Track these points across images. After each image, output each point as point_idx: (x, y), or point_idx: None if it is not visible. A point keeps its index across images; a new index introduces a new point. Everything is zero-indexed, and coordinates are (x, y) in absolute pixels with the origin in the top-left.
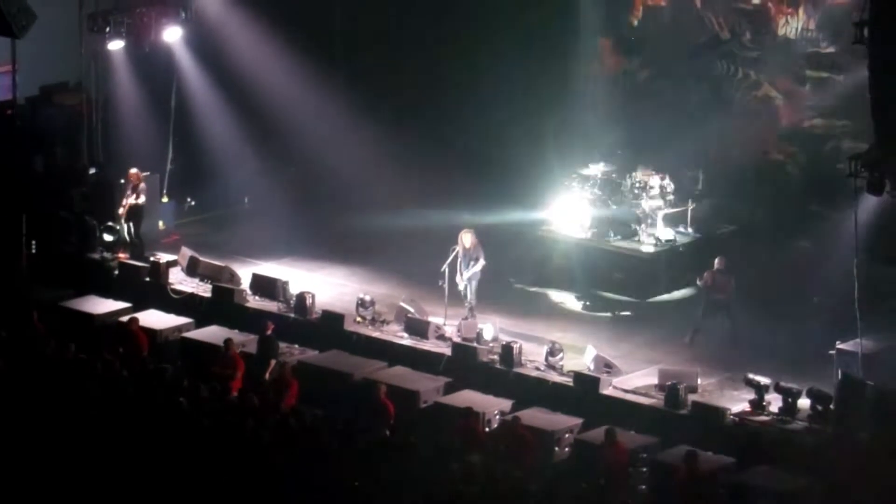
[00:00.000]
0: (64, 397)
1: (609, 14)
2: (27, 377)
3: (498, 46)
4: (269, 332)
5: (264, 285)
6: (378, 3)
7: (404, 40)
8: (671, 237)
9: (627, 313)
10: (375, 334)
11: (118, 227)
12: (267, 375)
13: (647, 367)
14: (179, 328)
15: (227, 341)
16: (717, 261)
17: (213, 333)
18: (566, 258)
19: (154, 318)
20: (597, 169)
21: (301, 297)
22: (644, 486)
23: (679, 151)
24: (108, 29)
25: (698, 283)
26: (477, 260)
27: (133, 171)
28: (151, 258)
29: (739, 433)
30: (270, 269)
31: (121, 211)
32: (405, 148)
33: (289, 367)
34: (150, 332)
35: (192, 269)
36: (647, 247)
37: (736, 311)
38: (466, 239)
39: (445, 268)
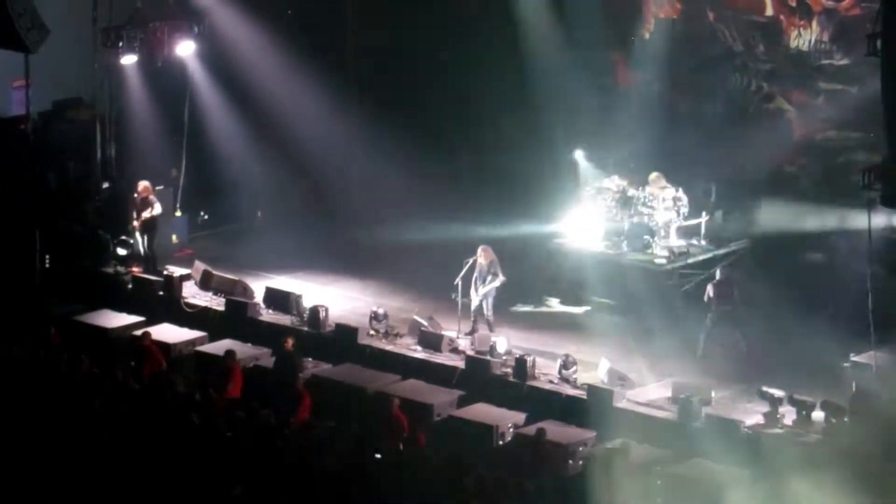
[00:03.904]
0: (77, 412)
1: (621, 27)
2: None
3: (512, 60)
4: (289, 348)
5: (278, 299)
6: (391, 17)
7: (417, 54)
8: (685, 250)
9: (640, 326)
10: (389, 347)
11: (131, 241)
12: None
13: (661, 380)
14: (193, 342)
15: (228, 352)
16: (717, 272)
17: (226, 347)
18: (579, 271)
19: (167, 332)
20: (610, 182)
21: (314, 311)
22: (660, 500)
23: (692, 164)
24: (121, 44)
25: (703, 297)
26: (495, 275)
27: (143, 184)
28: (165, 272)
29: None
30: (284, 282)
31: (134, 225)
32: (419, 161)
33: (301, 381)
34: (164, 346)
35: (206, 282)
36: (661, 259)
37: (742, 320)
38: (483, 255)
39: (458, 281)
